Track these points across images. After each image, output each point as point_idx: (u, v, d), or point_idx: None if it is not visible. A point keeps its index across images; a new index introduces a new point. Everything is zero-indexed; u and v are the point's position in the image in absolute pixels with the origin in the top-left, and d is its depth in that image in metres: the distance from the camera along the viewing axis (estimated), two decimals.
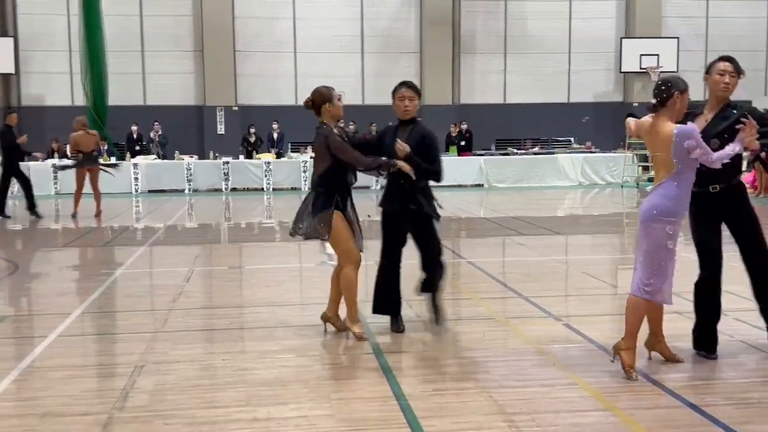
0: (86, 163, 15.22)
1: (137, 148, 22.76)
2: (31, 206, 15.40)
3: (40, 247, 11.70)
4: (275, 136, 23.14)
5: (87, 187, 15.31)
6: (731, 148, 5.03)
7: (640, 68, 26.03)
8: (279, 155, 22.42)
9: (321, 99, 6.02)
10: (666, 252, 4.98)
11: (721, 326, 5.55)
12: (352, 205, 6.23)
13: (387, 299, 6.32)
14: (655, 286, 4.99)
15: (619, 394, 4.75)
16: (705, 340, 5.46)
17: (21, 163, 16.21)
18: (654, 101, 5.05)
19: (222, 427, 4.30)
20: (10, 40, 24.25)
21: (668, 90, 4.99)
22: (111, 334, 6.62)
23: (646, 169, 21.64)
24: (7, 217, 15.22)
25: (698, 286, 5.45)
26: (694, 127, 5.03)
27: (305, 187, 21.22)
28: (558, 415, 4.45)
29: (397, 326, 6.29)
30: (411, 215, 6.09)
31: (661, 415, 4.43)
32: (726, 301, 5.63)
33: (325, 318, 6.34)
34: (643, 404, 4.59)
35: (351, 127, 20.12)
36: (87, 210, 15.15)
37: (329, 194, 6.01)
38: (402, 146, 5.90)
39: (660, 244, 4.97)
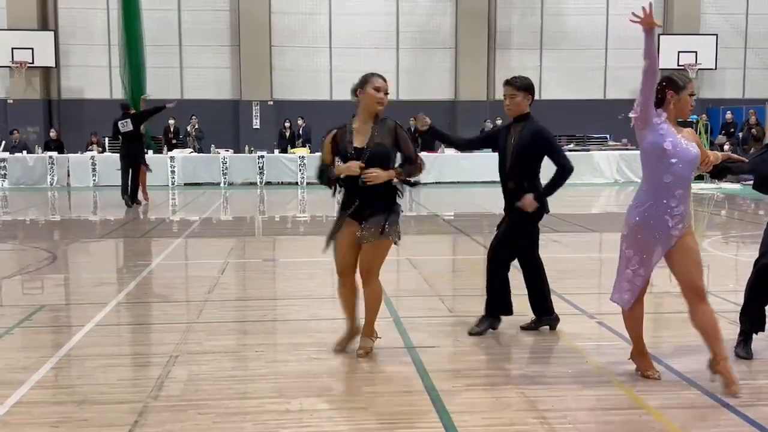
0: None
1: (174, 141, 22.99)
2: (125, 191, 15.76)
3: (78, 238, 11.87)
4: (300, 131, 23.19)
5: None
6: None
7: (678, 65, 25.68)
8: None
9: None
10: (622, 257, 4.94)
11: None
12: None
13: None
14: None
15: (653, 392, 4.71)
16: (758, 320, 5.41)
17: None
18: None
19: (254, 417, 4.34)
20: (50, 34, 24.59)
21: (661, 90, 4.76)
22: (147, 325, 6.71)
23: None
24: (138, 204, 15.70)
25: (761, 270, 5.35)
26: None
27: None
28: (590, 413, 4.43)
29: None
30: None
31: (696, 414, 4.39)
32: None
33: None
34: (677, 403, 4.55)
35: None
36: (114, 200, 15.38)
37: None
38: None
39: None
